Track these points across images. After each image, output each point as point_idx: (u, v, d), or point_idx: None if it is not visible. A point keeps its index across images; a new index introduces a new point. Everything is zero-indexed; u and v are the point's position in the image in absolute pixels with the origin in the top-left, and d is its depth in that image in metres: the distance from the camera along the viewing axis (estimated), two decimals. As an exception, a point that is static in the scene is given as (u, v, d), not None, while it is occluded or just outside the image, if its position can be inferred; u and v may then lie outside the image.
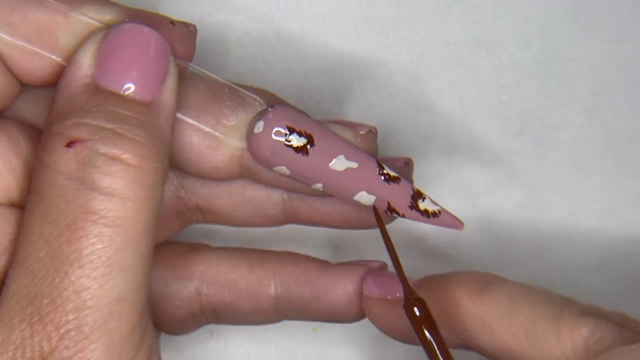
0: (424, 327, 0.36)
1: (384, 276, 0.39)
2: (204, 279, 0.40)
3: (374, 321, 0.39)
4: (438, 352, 0.35)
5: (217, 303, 0.40)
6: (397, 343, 0.46)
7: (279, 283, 0.40)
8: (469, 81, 0.46)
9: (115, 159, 0.33)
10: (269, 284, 0.40)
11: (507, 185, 0.46)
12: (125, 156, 0.33)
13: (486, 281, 0.38)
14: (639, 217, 0.46)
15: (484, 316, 0.37)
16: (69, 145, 0.33)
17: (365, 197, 0.38)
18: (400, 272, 0.37)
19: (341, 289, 0.39)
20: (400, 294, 0.38)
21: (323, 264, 0.40)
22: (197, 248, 0.41)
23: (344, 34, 0.46)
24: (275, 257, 0.41)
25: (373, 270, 0.40)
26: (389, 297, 0.39)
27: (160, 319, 0.40)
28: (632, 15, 0.46)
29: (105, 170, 0.33)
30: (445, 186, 0.46)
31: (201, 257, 0.40)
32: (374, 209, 0.38)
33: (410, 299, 0.36)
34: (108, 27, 0.35)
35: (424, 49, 0.46)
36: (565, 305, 0.36)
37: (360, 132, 0.38)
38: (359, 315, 0.40)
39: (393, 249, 0.38)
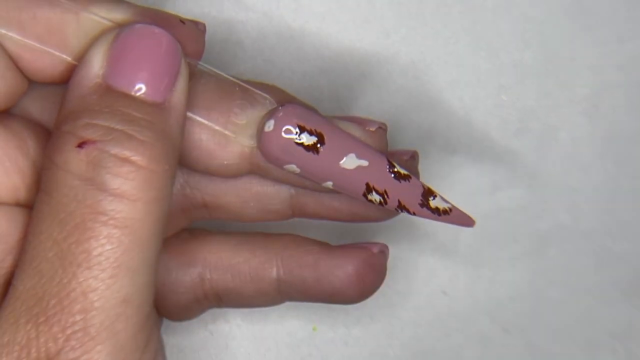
0: None
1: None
2: (207, 265, 0.40)
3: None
4: None
5: (220, 288, 0.40)
6: (397, 343, 0.46)
7: (281, 266, 0.40)
8: (469, 81, 0.46)
9: (125, 160, 0.33)
10: (271, 267, 0.40)
11: (507, 185, 0.46)
12: (136, 158, 0.33)
13: None
14: (639, 217, 0.46)
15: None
16: (80, 145, 0.33)
17: (376, 195, 0.38)
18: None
19: (342, 271, 0.39)
20: None
21: (324, 246, 0.40)
22: (198, 234, 0.41)
23: (344, 34, 0.46)
24: (277, 240, 0.41)
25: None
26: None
27: (164, 306, 0.40)
28: (632, 15, 0.46)
29: (116, 171, 0.33)
30: (445, 186, 0.46)
31: (203, 243, 0.40)
32: None
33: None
34: (119, 27, 0.35)
35: (424, 49, 0.46)
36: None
37: (370, 129, 0.38)
38: (360, 297, 0.40)
39: None
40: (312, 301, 0.41)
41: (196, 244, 0.40)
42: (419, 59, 0.46)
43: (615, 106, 0.46)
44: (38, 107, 0.38)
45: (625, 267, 0.46)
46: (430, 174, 0.46)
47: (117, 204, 0.33)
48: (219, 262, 0.40)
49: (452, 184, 0.46)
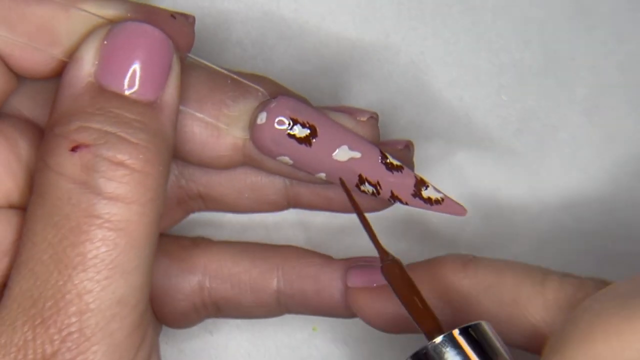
0: (403, 285, 0.35)
1: (366, 267, 0.39)
2: (207, 273, 0.40)
3: (359, 313, 0.39)
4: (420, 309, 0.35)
5: (219, 297, 0.40)
6: (397, 344, 0.46)
7: (281, 277, 0.40)
8: (469, 81, 0.46)
9: (119, 164, 0.33)
10: (271, 278, 0.40)
11: (507, 185, 0.46)
12: (130, 161, 0.33)
13: (469, 259, 0.38)
14: (639, 217, 0.46)
15: (470, 289, 0.37)
16: (74, 149, 0.33)
17: (369, 186, 0.38)
18: (373, 237, 0.36)
19: (343, 284, 0.39)
20: (383, 281, 0.38)
21: (325, 259, 0.40)
22: (199, 242, 0.41)
23: (344, 34, 0.46)
24: (278, 251, 0.41)
25: (356, 264, 0.40)
26: (374, 284, 0.39)
27: (162, 313, 0.40)
28: (632, 15, 0.46)
29: (110, 175, 0.33)
30: (445, 186, 0.46)
31: (204, 251, 0.40)
32: (341, 180, 0.38)
33: (386, 261, 0.36)
34: (110, 23, 0.35)
35: (424, 49, 0.46)
36: (547, 272, 0.36)
37: (361, 119, 0.38)
38: None
39: (363, 215, 0.37)
40: (311, 313, 0.41)
41: (197, 251, 0.40)
42: (419, 59, 0.46)
43: (615, 106, 0.46)
44: (29, 105, 0.38)
45: (625, 267, 0.46)
46: (430, 174, 0.46)
47: (112, 207, 0.33)
48: (219, 270, 0.40)
49: (452, 183, 0.46)
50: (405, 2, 0.46)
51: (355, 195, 0.38)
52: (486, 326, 0.34)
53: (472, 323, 0.33)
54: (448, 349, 0.33)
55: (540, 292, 0.35)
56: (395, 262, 0.36)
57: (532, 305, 0.35)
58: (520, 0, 0.46)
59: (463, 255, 0.38)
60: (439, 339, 0.33)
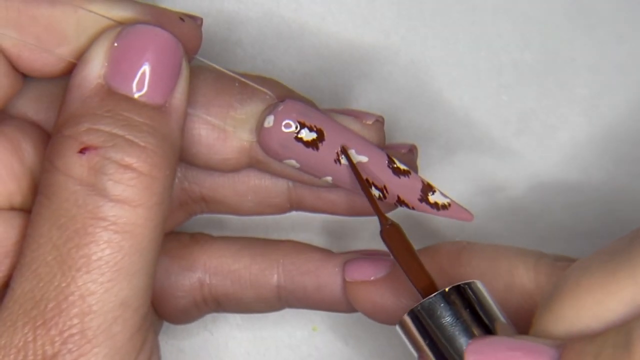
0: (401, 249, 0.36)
1: (363, 260, 0.39)
2: (207, 270, 0.40)
3: (358, 307, 0.39)
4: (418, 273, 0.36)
5: (219, 293, 0.40)
6: (397, 343, 0.46)
7: (281, 273, 0.40)
8: (469, 81, 0.46)
9: (127, 167, 0.33)
10: (272, 274, 0.40)
11: (507, 185, 0.46)
12: (137, 164, 0.33)
13: (462, 246, 0.38)
14: (639, 217, 0.46)
15: (464, 277, 0.37)
16: (82, 151, 0.33)
17: (375, 190, 0.38)
18: (373, 203, 0.37)
19: (343, 279, 0.39)
20: (380, 274, 0.38)
21: (326, 253, 0.40)
22: (199, 238, 0.41)
23: (344, 34, 0.46)
24: (278, 246, 0.41)
25: (353, 257, 0.40)
26: (372, 278, 0.39)
27: (163, 309, 0.40)
28: (632, 15, 0.46)
29: (117, 178, 0.33)
30: (445, 186, 0.46)
31: (204, 248, 0.40)
32: (343, 149, 0.38)
33: (386, 225, 0.36)
34: (120, 25, 0.35)
35: (424, 49, 0.46)
36: (540, 255, 0.37)
37: (368, 122, 0.38)
38: None
39: (364, 182, 0.37)
40: (311, 308, 0.41)
41: (197, 248, 0.40)
42: (419, 59, 0.46)
43: (615, 106, 0.46)
44: (33, 107, 0.38)
45: (625, 267, 0.46)
46: (430, 174, 0.46)
47: (118, 209, 0.33)
48: (219, 267, 0.40)
49: (452, 184, 0.46)
50: (405, 2, 0.46)
51: (359, 199, 0.39)
52: (480, 285, 0.34)
53: (466, 281, 0.34)
54: (442, 305, 0.33)
55: (533, 278, 0.36)
56: (395, 226, 0.36)
57: (526, 290, 0.36)
58: (520, 0, 0.46)
59: (457, 242, 0.38)
60: (433, 296, 0.33)
